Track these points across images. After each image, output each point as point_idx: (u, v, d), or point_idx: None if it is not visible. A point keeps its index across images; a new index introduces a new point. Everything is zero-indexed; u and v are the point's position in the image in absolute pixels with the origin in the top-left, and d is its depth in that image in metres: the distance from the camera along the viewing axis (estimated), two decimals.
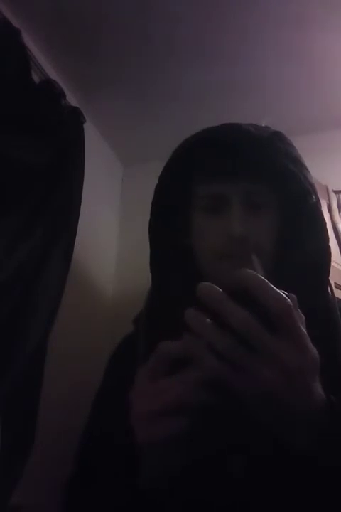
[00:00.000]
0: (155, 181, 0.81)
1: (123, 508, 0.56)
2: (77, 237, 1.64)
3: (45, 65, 1.69)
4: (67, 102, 1.70)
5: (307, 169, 0.77)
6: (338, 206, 1.73)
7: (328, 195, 1.72)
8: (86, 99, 1.89)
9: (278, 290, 0.43)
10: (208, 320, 0.43)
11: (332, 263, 0.77)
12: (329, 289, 0.74)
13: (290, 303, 0.43)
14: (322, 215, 0.76)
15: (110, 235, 2.15)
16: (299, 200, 0.74)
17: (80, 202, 1.66)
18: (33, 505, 1.30)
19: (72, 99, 1.80)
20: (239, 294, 0.43)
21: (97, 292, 1.96)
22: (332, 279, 0.80)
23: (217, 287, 0.44)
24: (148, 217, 0.82)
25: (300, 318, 0.45)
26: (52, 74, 1.72)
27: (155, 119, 2.02)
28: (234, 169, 0.72)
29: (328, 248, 0.75)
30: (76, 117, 1.71)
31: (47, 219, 1.51)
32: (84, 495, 0.64)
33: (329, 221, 1.64)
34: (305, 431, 0.46)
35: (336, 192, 1.76)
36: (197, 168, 0.77)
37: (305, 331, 0.45)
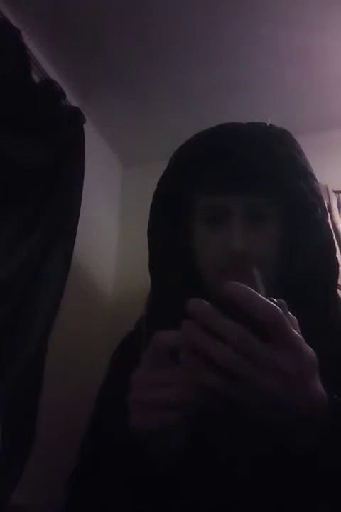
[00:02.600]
0: (155, 181, 0.81)
1: (126, 507, 0.56)
2: (77, 237, 1.64)
3: (45, 65, 1.69)
4: (67, 102, 1.70)
5: (313, 176, 0.74)
6: (338, 206, 1.74)
7: (328, 195, 1.72)
8: (86, 99, 1.89)
9: (267, 299, 0.43)
10: (204, 332, 0.43)
11: None
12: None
13: (281, 311, 0.43)
14: (328, 226, 0.75)
15: (110, 235, 2.15)
16: (303, 212, 0.72)
17: (80, 202, 1.67)
18: (33, 505, 1.30)
19: (72, 99, 1.80)
20: (231, 308, 0.43)
21: (97, 292, 1.96)
22: None
23: (205, 302, 0.43)
24: (147, 218, 0.81)
25: (292, 322, 0.45)
26: (52, 74, 1.72)
27: (155, 119, 2.02)
28: (234, 180, 0.69)
29: (336, 260, 0.73)
30: (76, 117, 1.71)
31: (47, 219, 1.51)
32: (86, 493, 0.64)
33: (330, 221, 1.64)
34: (307, 432, 0.46)
35: (336, 192, 1.76)
36: (196, 179, 0.74)
37: (298, 333, 0.45)
